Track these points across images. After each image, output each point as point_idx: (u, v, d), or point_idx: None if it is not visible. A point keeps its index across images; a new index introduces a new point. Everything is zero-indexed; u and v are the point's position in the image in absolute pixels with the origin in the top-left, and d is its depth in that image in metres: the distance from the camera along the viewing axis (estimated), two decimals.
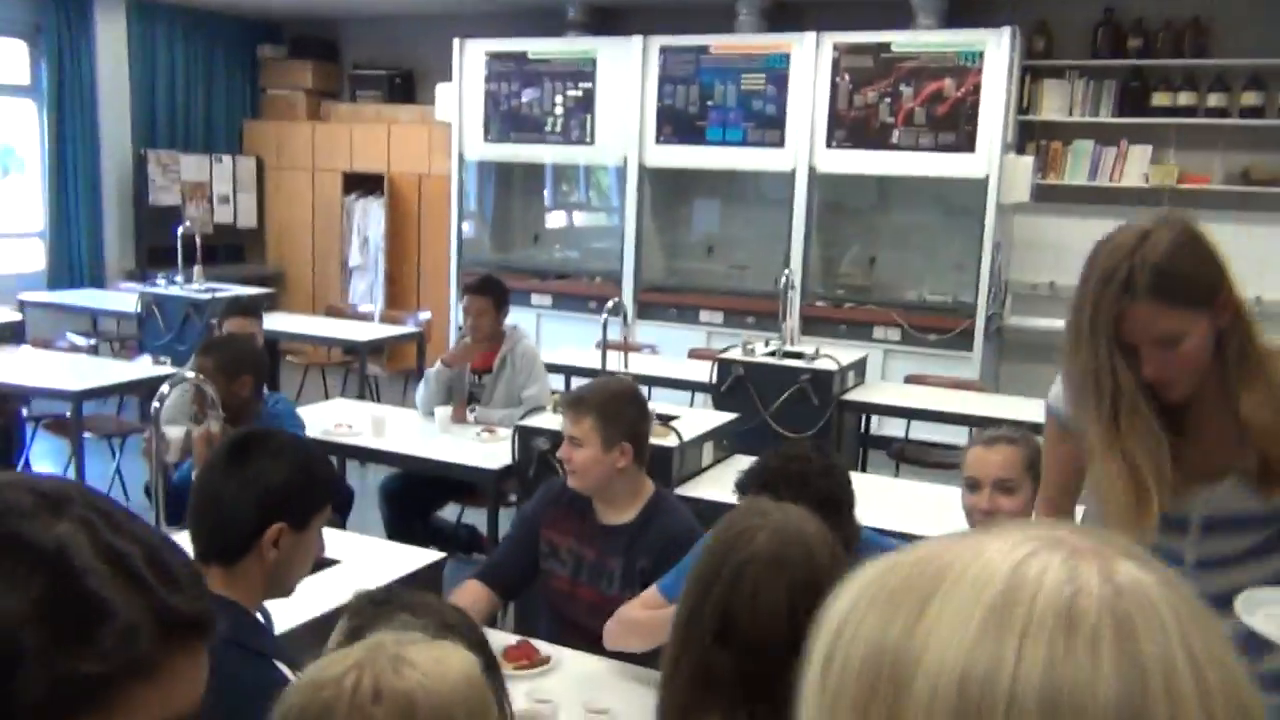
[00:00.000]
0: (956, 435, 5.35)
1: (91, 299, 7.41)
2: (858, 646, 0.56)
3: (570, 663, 2.36)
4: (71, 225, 8.06)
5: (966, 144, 6.44)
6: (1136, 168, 6.72)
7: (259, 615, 1.92)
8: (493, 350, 4.45)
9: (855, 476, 4.07)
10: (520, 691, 2.11)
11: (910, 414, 5.25)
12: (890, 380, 6.27)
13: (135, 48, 8.41)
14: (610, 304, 3.87)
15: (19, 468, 5.38)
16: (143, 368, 5.24)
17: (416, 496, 4.42)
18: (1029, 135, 6.95)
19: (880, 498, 3.63)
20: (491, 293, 4.44)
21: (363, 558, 2.56)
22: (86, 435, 4.90)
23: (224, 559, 1.75)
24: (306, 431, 3.63)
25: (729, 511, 1.60)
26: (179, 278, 6.73)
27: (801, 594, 1.36)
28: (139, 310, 6.62)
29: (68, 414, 4.88)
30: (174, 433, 2.96)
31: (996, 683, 0.52)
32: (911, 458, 5.31)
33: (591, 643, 2.49)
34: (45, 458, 5.75)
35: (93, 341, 7.32)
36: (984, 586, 0.55)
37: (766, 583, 1.39)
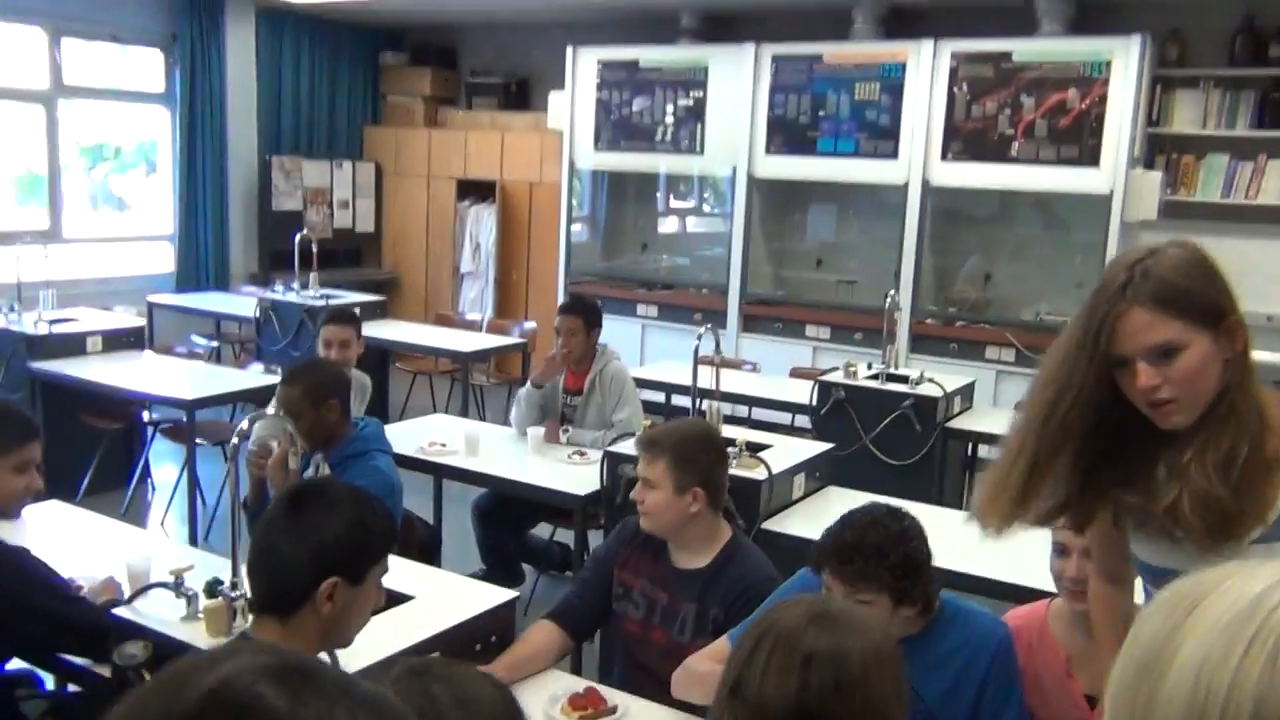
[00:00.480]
0: None
1: (215, 302, 7.69)
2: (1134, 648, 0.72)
3: (639, 713, 2.31)
4: (199, 229, 8.38)
5: (1090, 158, 6.17)
6: (1275, 184, 6.33)
7: (325, 656, 1.94)
8: (584, 371, 4.44)
9: (954, 515, 3.99)
10: None
11: None
12: (1003, 405, 6.04)
13: (263, 55, 8.70)
14: (701, 332, 3.79)
15: (138, 469, 5.62)
16: (253, 376, 5.41)
17: (510, 515, 4.45)
18: (1158, 149, 6.61)
19: (983, 543, 3.48)
20: (582, 312, 4.42)
21: (437, 594, 2.57)
22: (199, 441, 5.07)
23: (279, 611, 1.77)
24: (395, 452, 3.67)
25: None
26: (295, 284, 6.93)
27: (817, 671, 1.37)
28: (257, 315, 6.84)
29: (184, 419, 5.07)
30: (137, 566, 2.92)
31: (1221, 675, 0.65)
32: None
33: (664, 688, 2.44)
34: (163, 459, 5.99)
35: (214, 345, 7.62)
36: (1234, 603, 0.68)
37: (783, 651, 1.37)
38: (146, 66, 8.20)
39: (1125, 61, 6.02)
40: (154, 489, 5.84)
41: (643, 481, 2.53)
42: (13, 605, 2.31)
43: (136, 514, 5.46)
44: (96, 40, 7.77)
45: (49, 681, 2.86)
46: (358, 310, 6.74)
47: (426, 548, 4.09)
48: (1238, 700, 0.63)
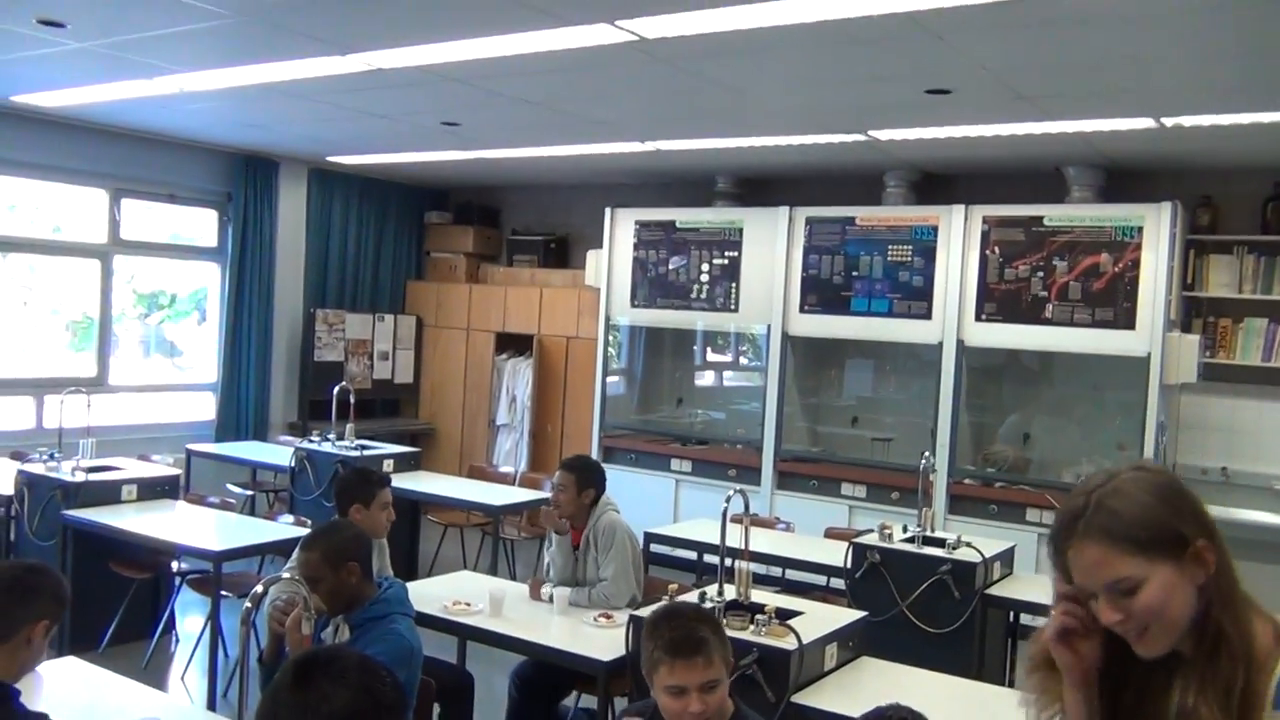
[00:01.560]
0: None
1: (252, 451, 7.76)
2: None
3: None
4: (242, 379, 8.53)
5: (1126, 320, 6.15)
6: None
7: None
8: (581, 527, 4.46)
9: (996, 690, 3.82)
10: None
11: None
12: (1045, 570, 5.86)
13: (313, 212, 9.02)
14: (731, 492, 3.74)
15: (162, 620, 5.57)
16: (283, 528, 5.39)
17: (548, 683, 4.34)
18: (1195, 312, 6.59)
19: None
20: (575, 470, 4.48)
21: None
22: (225, 593, 5.03)
23: None
24: (420, 610, 3.60)
25: None
26: (331, 434, 6.98)
27: None
28: (292, 465, 6.87)
29: (210, 570, 5.04)
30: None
31: None
32: None
33: None
34: (190, 610, 5.94)
35: (248, 494, 7.64)
36: None
37: None
38: (201, 223, 8.52)
39: (1157, 226, 6.07)
40: (178, 640, 5.77)
41: (704, 687, 2.41)
42: None
43: (159, 666, 5.38)
44: (155, 200, 8.10)
45: None
46: (390, 463, 6.81)
47: (455, 696, 3.99)
48: None
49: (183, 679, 5.31)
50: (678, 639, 2.42)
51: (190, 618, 5.92)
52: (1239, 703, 1.37)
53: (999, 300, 6.56)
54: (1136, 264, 6.12)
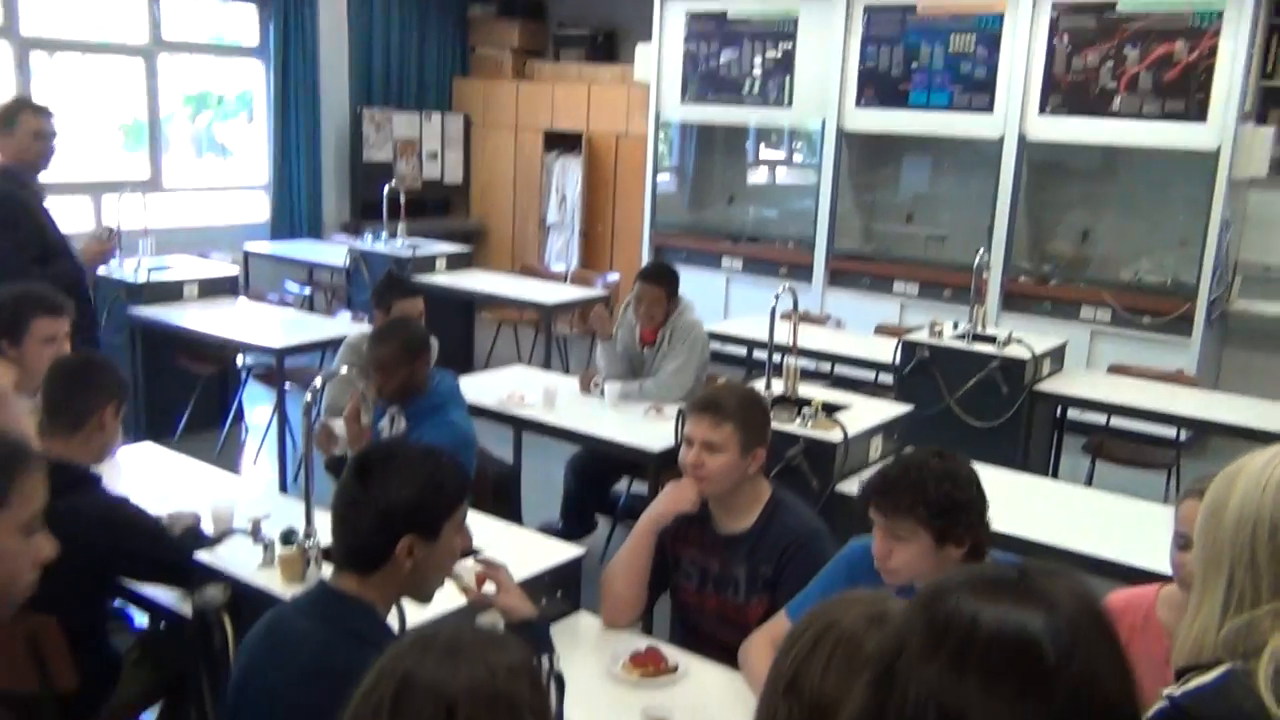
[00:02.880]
0: (1168, 428, 4.97)
1: (308, 251, 7.85)
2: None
3: (698, 674, 2.33)
4: (293, 178, 8.54)
5: (1197, 112, 5.89)
6: None
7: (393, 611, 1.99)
8: (659, 325, 4.45)
9: (1041, 481, 3.90)
10: (643, 702, 2.10)
11: (1110, 409, 4.87)
12: (1097, 366, 5.87)
13: (354, 7, 8.77)
14: (780, 290, 3.74)
15: (231, 412, 5.81)
16: (342, 324, 5.52)
17: (601, 470, 4.50)
18: (1272, 103, 6.28)
19: (1065, 510, 3.40)
20: (664, 283, 4.42)
21: (505, 548, 2.59)
22: (289, 386, 5.21)
23: (359, 570, 1.81)
24: (476, 403, 3.71)
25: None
26: (384, 234, 7.03)
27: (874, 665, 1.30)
28: (347, 264, 6.97)
29: (273, 365, 5.22)
30: (339, 427, 3.09)
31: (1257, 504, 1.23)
32: (1110, 454, 4.95)
33: (721, 650, 2.45)
34: (257, 402, 6.17)
35: (306, 292, 7.79)
36: (1264, 461, 1.26)
37: (845, 652, 1.32)
38: (242, 20, 8.34)
39: (1238, 10, 5.71)
40: (247, 430, 6.04)
41: (702, 445, 2.48)
42: (117, 553, 2.48)
43: (230, 455, 5.65)
44: None
45: (138, 618, 3.00)
46: (444, 261, 6.88)
47: (503, 490, 4.15)
48: (1270, 518, 1.21)
49: (254, 464, 5.58)
50: (704, 397, 2.56)
51: (258, 409, 6.16)
52: None
53: (1065, 92, 6.29)
54: (1213, 52, 5.80)
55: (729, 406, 2.47)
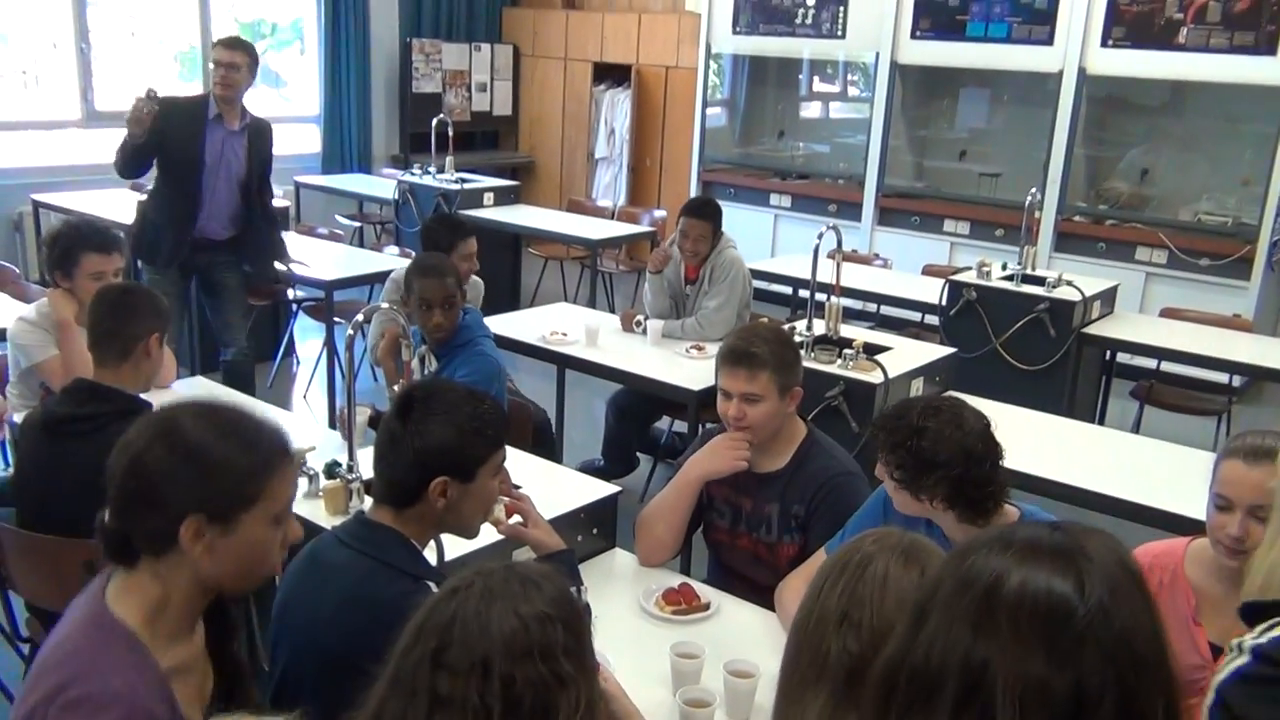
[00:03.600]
0: (1220, 375, 4.89)
1: (358, 184, 7.90)
2: None
3: (730, 612, 2.36)
4: (343, 112, 8.56)
5: (1268, 44, 5.69)
6: None
7: (432, 542, 2.05)
8: (703, 260, 4.44)
9: (1087, 428, 3.86)
10: (673, 638, 2.14)
11: (1160, 353, 4.79)
12: (1150, 310, 5.76)
13: None
14: (823, 229, 3.70)
15: (283, 344, 5.91)
16: (389, 259, 5.57)
17: (643, 409, 4.54)
18: None
19: (1111, 456, 3.37)
20: (709, 217, 4.39)
21: (543, 485, 2.64)
22: (337, 319, 5.28)
23: (395, 505, 1.86)
24: (519, 339, 3.74)
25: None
26: (432, 168, 7.05)
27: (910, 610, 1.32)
28: (396, 198, 7.00)
29: (323, 298, 5.29)
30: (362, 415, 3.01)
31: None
32: (1159, 400, 4.88)
33: (753, 589, 2.49)
34: (308, 334, 6.27)
35: (356, 226, 7.86)
36: None
37: (898, 573, 1.36)
38: None
39: None
40: (299, 362, 6.15)
41: (742, 398, 2.47)
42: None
43: (282, 386, 5.77)
44: None
45: None
46: (490, 196, 6.89)
47: (543, 435, 4.20)
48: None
49: (305, 398, 5.69)
50: (735, 348, 2.49)
51: (309, 342, 6.27)
52: None
53: (1129, 24, 6.09)
54: None
55: (763, 355, 2.45)
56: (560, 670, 1.25)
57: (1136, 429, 4.77)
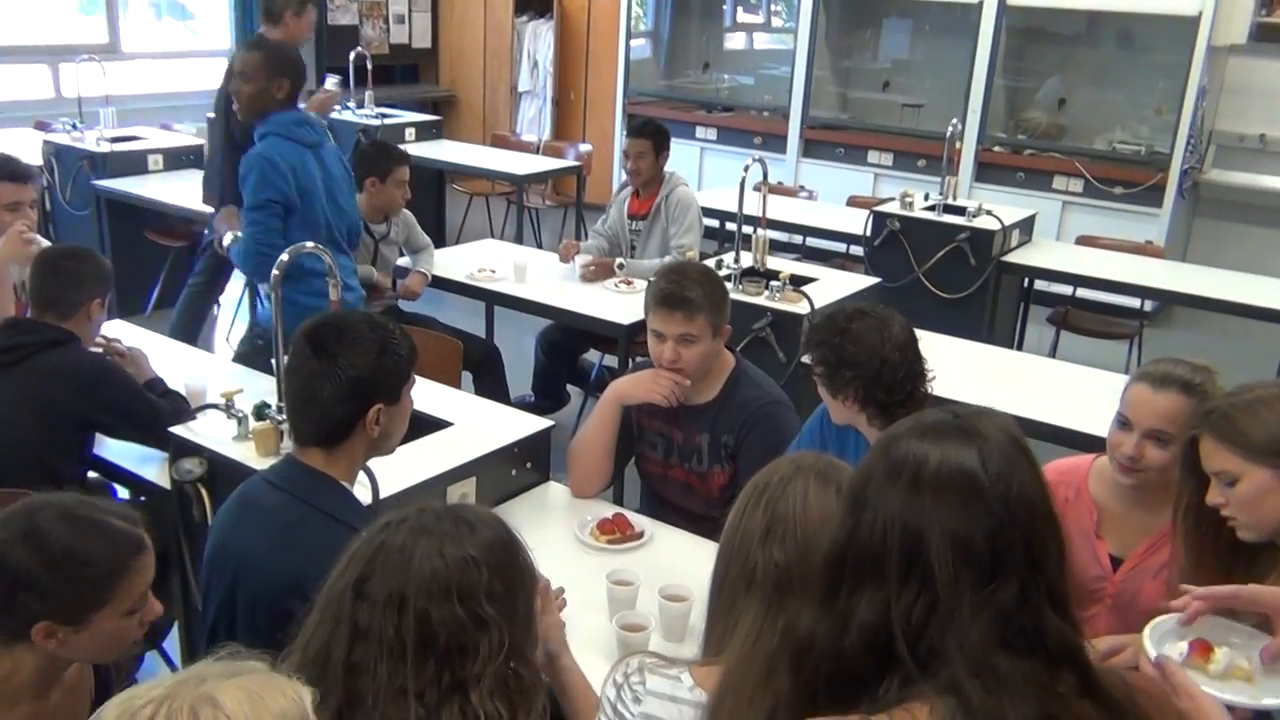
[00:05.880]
0: (1134, 300, 5.04)
1: None
2: None
3: (663, 539, 2.42)
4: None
5: None
6: None
7: (365, 478, 2.05)
8: (651, 196, 4.43)
9: (1005, 353, 3.97)
10: (609, 566, 2.18)
11: (1075, 280, 4.93)
12: (1068, 238, 5.89)
13: None
14: (749, 161, 3.71)
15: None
16: None
17: (571, 344, 4.55)
18: None
19: (1028, 380, 3.47)
20: (651, 135, 4.40)
21: (475, 421, 2.65)
22: None
23: (326, 444, 1.86)
24: (447, 277, 3.70)
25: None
26: (351, 103, 6.88)
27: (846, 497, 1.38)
28: None
29: None
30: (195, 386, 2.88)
31: None
32: (1074, 325, 5.03)
33: (686, 517, 2.54)
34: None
35: None
36: None
37: (817, 490, 1.43)
38: None
39: None
40: (219, 306, 6.01)
41: (679, 340, 2.49)
42: (97, 405, 2.64)
43: (204, 329, 5.64)
44: None
45: (121, 492, 3.06)
46: (412, 131, 6.76)
47: (491, 365, 4.20)
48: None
49: (227, 340, 5.59)
50: (666, 291, 2.50)
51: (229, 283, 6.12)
52: None
53: None
54: None
55: (698, 299, 2.47)
56: (480, 613, 1.27)
57: (1053, 353, 4.92)
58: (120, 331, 3.48)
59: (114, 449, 2.79)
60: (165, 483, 2.58)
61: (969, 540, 1.05)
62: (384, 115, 6.81)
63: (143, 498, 2.89)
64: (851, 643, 1.08)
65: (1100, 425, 2.93)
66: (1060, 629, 1.07)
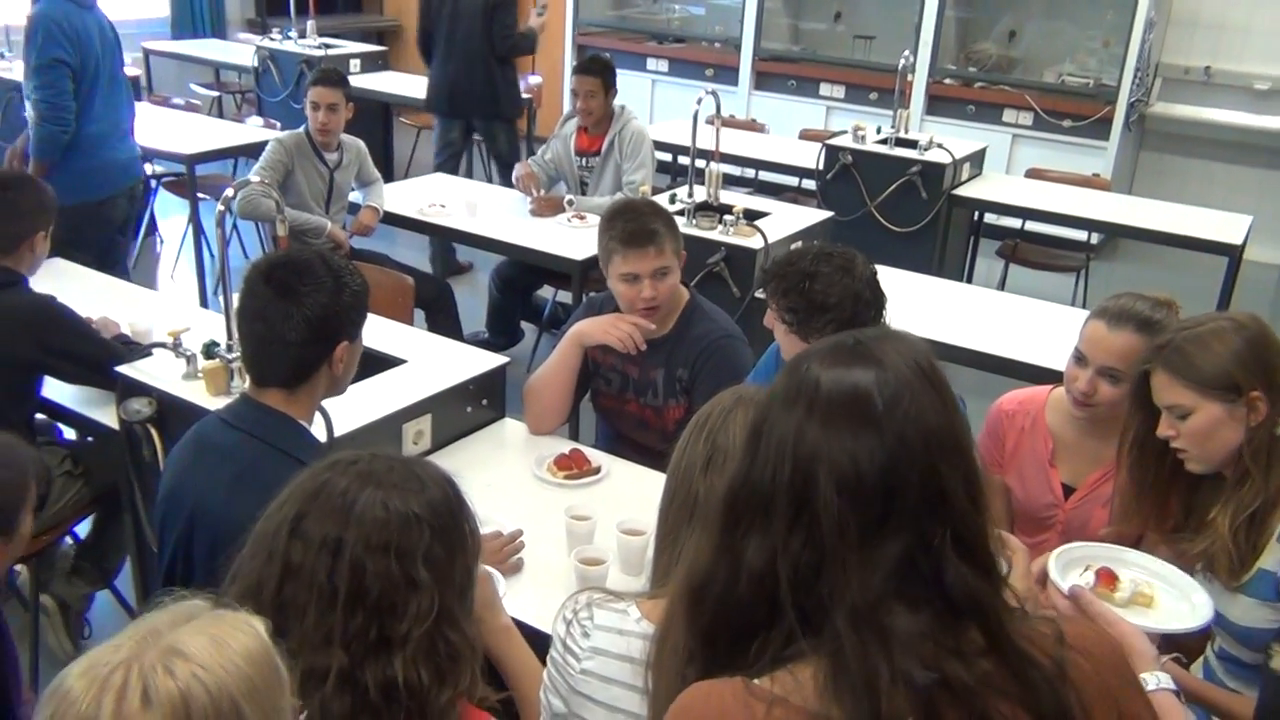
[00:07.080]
0: (1080, 233, 5.11)
1: (213, 50, 7.46)
2: None
3: (620, 473, 2.43)
4: None
5: None
6: None
7: (320, 417, 2.03)
8: (602, 132, 4.37)
9: (955, 286, 4.01)
10: (566, 502, 2.20)
11: (1024, 213, 4.98)
12: (1017, 171, 5.93)
13: None
14: (702, 94, 3.68)
15: (143, 222, 5.63)
16: (253, 130, 5.33)
17: (525, 280, 4.52)
18: None
19: (977, 313, 3.51)
20: (601, 73, 4.32)
21: (429, 358, 2.63)
22: (201, 195, 5.06)
23: (289, 385, 1.84)
24: (395, 212, 3.65)
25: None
26: (293, 32, 6.70)
27: (750, 422, 1.38)
28: (255, 65, 6.65)
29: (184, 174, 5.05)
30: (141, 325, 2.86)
31: None
32: (1022, 258, 5.09)
33: (642, 452, 2.56)
34: (170, 211, 5.99)
35: (215, 94, 7.46)
36: None
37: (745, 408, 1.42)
38: None
39: None
40: (162, 242, 5.89)
41: (654, 275, 2.49)
42: (45, 348, 2.57)
43: (147, 266, 5.53)
44: None
45: (67, 433, 3.01)
46: (357, 63, 6.60)
47: (437, 301, 4.16)
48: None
49: (172, 277, 5.48)
50: (631, 230, 2.49)
51: (171, 219, 6.00)
52: (1248, 527, 1.69)
53: None
54: None
55: (661, 230, 2.49)
56: (414, 574, 1.25)
57: (1002, 286, 4.98)
58: (60, 269, 3.40)
59: (59, 389, 2.74)
60: (113, 423, 2.53)
61: (859, 477, 0.95)
62: (327, 45, 6.64)
63: (90, 438, 2.85)
64: (742, 589, 1.00)
65: (1047, 357, 3.01)
66: (964, 578, 0.96)
